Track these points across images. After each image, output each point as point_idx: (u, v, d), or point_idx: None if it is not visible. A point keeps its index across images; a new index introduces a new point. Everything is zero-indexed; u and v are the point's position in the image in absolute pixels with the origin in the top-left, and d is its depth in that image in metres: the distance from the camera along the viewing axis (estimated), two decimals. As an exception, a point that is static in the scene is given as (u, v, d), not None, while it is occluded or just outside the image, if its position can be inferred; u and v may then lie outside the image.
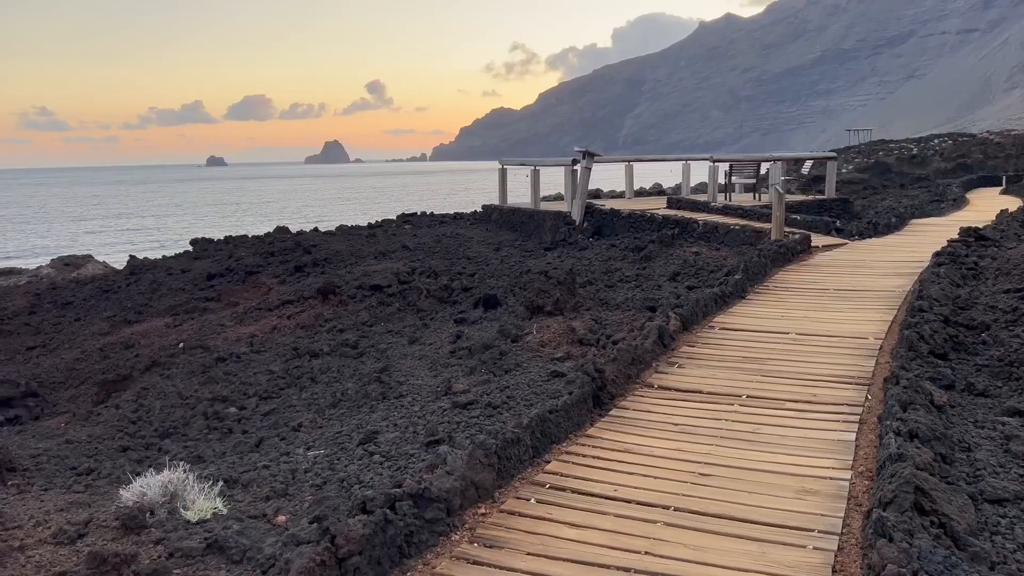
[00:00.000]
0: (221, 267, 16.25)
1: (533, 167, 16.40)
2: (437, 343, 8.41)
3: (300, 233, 18.28)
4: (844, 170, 27.92)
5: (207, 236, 21.33)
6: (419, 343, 8.57)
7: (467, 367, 7.10)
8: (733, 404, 5.27)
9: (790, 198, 13.62)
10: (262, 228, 22.55)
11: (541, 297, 8.41)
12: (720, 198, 16.50)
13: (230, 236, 20.97)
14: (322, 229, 20.73)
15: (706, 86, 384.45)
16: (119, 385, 10.14)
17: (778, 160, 16.61)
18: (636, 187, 24.20)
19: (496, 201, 18.37)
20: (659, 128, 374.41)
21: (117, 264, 20.27)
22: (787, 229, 11.47)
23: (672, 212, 14.60)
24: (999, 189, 26.87)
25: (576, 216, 14.64)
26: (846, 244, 11.90)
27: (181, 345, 11.48)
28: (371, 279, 12.34)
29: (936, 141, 43.15)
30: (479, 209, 19.76)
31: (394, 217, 22.30)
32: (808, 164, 18.41)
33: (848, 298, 8.19)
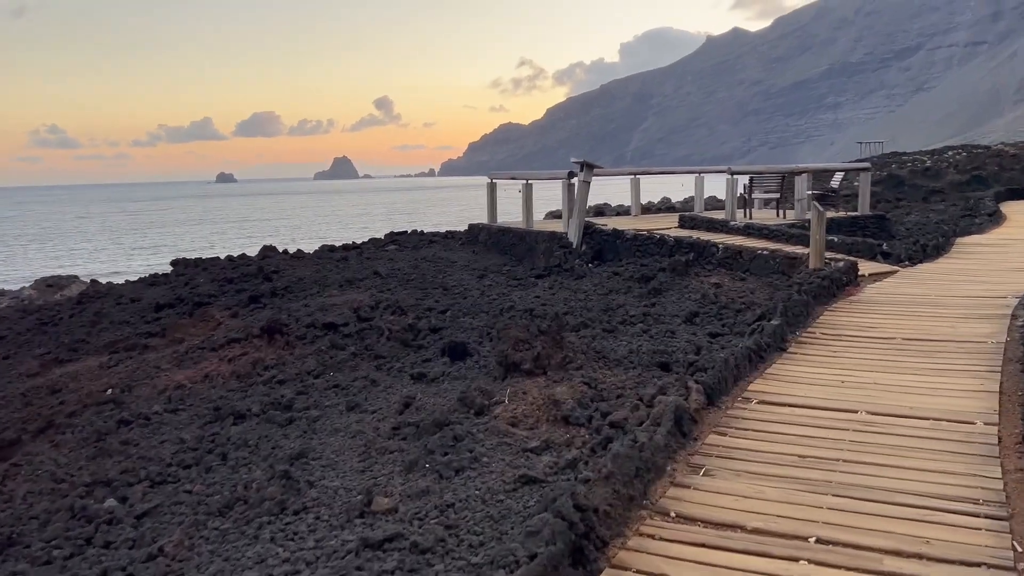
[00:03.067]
0: (172, 296, 14.39)
1: (525, 181, 14.44)
2: (382, 411, 6.43)
3: (265, 256, 16.36)
4: (855, 183, 26.46)
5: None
6: (359, 410, 6.59)
7: (407, 458, 5.12)
8: (799, 560, 3.26)
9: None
10: (259, 246, 20.74)
11: (518, 349, 6.43)
12: (739, 215, 14.50)
13: (200, 258, 19.19)
14: (327, 244, 18.95)
15: (714, 100, 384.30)
16: (2, 453, 8.22)
17: (804, 172, 14.60)
18: (644, 202, 22.25)
19: (485, 219, 16.40)
20: (667, 142, 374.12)
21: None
22: (827, 255, 9.44)
23: (685, 233, 12.58)
24: None
25: (573, 238, 12.64)
26: (897, 272, 9.87)
27: (109, 392, 9.62)
28: (327, 315, 10.39)
29: (950, 153, 41.42)
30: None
31: (382, 236, 20.47)
32: (839, 176, 16.36)
33: (925, 352, 6.16)
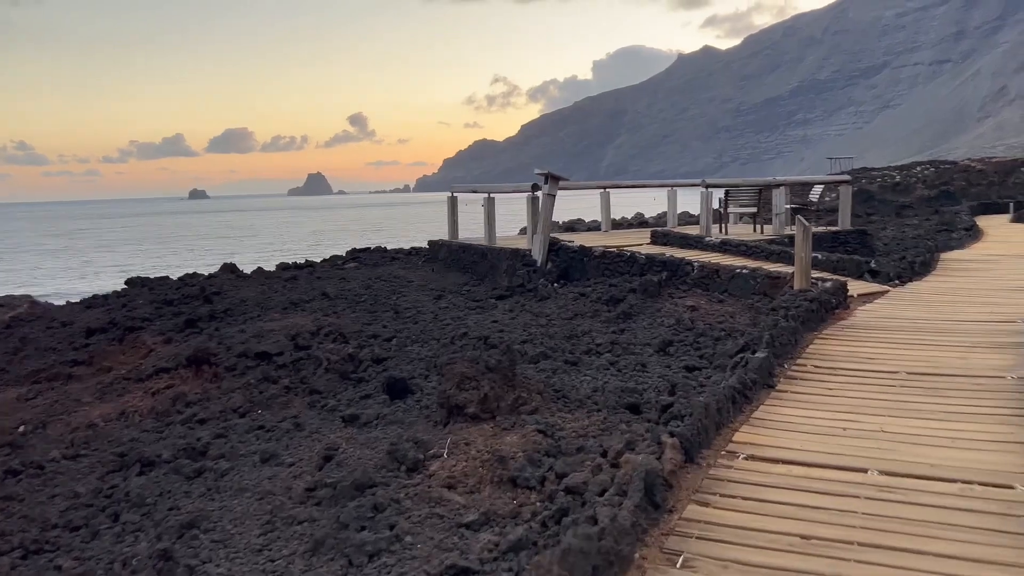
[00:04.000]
0: (106, 320, 13.22)
1: (487, 195, 13.51)
2: (301, 464, 5.42)
3: (211, 276, 15.24)
4: (827, 198, 26.27)
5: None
6: (275, 462, 5.57)
7: (316, 534, 4.12)
8: None
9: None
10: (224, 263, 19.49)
11: (463, 389, 5.47)
12: (714, 230, 13.69)
13: (146, 278, 18.00)
14: (282, 263, 17.85)
15: (686, 117, 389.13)
16: None
17: (782, 185, 13.85)
18: (616, 217, 21.47)
19: (446, 236, 15.43)
20: (640, 158, 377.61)
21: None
22: (813, 274, 8.60)
23: (658, 250, 11.71)
24: (1008, 217, 24.68)
25: (537, 255, 11.72)
26: (887, 291, 9.07)
27: (21, 428, 8.49)
28: (262, 343, 9.33)
29: (918, 169, 41.74)
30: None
31: (343, 253, 19.43)
32: (818, 189, 15.67)
33: (935, 390, 5.30)
